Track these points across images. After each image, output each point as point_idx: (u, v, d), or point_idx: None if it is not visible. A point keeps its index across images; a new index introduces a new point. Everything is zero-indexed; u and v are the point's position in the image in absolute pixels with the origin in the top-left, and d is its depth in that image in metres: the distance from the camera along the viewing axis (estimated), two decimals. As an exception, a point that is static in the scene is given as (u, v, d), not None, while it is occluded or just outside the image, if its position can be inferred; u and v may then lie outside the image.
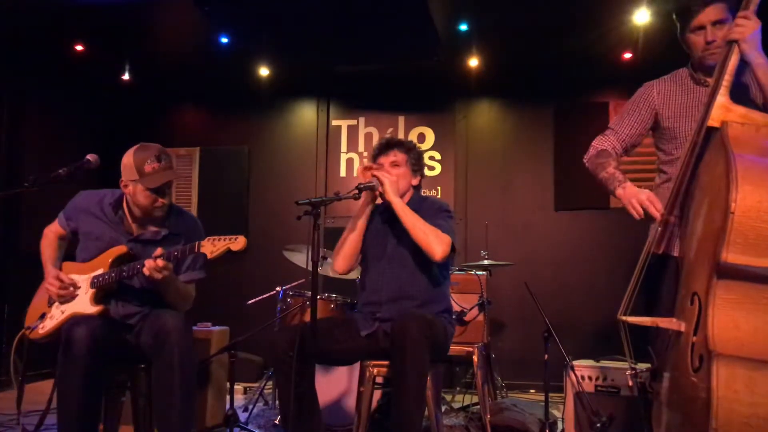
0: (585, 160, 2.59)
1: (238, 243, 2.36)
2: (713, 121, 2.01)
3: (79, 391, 2.32)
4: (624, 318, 2.17)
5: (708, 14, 2.25)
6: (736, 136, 1.91)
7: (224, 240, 2.38)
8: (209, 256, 2.37)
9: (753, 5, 2.05)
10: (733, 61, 2.05)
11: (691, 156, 2.11)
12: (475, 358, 3.52)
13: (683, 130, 2.36)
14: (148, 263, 2.44)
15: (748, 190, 1.78)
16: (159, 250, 2.47)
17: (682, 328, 1.97)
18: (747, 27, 2.04)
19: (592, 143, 2.58)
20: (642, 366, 2.36)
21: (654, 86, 2.49)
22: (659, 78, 2.51)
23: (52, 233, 2.80)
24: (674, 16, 2.37)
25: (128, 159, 2.61)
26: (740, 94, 2.13)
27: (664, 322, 2.05)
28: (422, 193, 2.96)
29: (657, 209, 2.21)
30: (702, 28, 2.27)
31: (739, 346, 1.78)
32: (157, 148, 2.63)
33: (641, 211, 2.23)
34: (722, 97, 2.03)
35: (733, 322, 1.81)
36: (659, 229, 2.24)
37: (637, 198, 2.25)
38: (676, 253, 2.26)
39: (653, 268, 2.24)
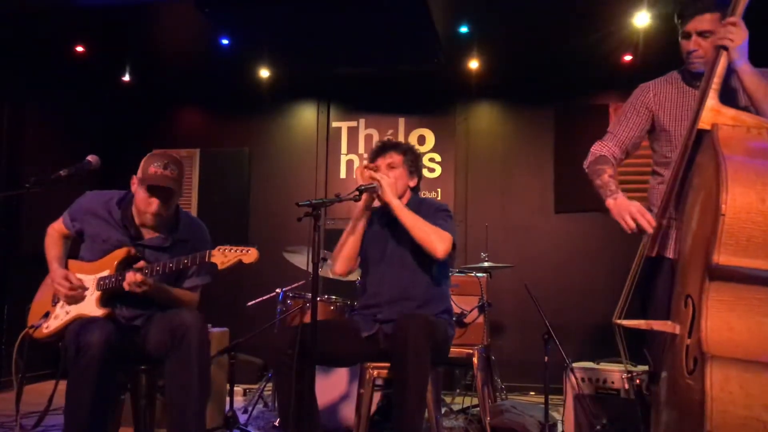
0: (585, 167, 2.55)
1: (251, 256, 2.33)
2: (704, 123, 2.02)
3: (90, 398, 2.27)
4: (619, 321, 2.17)
5: (695, 23, 2.25)
6: (726, 138, 1.92)
7: (236, 251, 2.34)
8: (220, 267, 2.33)
9: (740, 8, 2.04)
10: (721, 65, 2.06)
11: (682, 159, 2.11)
12: (474, 360, 3.52)
13: (679, 133, 2.34)
14: (128, 276, 2.42)
15: (738, 192, 1.78)
16: (141, 263, 2.44)
17: (677, 331, 1.97)
18: (737, 36, 2.04)
19: (592, 148, 2.55)
20: (641, 368, 2.35)
21: (650, 88, 2.47)
22: (654, 79, 2.49)
23: (56, 232, 2.76)
24: (675, 18, 2.36)
25: (143, 160, 2.63)
26: (729, 97, 2.14)
27: (659, 325, 2.05)
28: (421, 195, 2.96)
29: (649, 222, 2.19)
30: (689, 35, 2.28)
31: (733, 348, 1.78)
32: (171, 157, 2.61)
33: (633, 225, 2.20)
34: (712, 100, 2.04)
35: (726, 324, 1.81)
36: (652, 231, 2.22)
37: (629, 210, 2.22)
38: (670, 255, 2.25)
39: (648, 270, 2.22)
